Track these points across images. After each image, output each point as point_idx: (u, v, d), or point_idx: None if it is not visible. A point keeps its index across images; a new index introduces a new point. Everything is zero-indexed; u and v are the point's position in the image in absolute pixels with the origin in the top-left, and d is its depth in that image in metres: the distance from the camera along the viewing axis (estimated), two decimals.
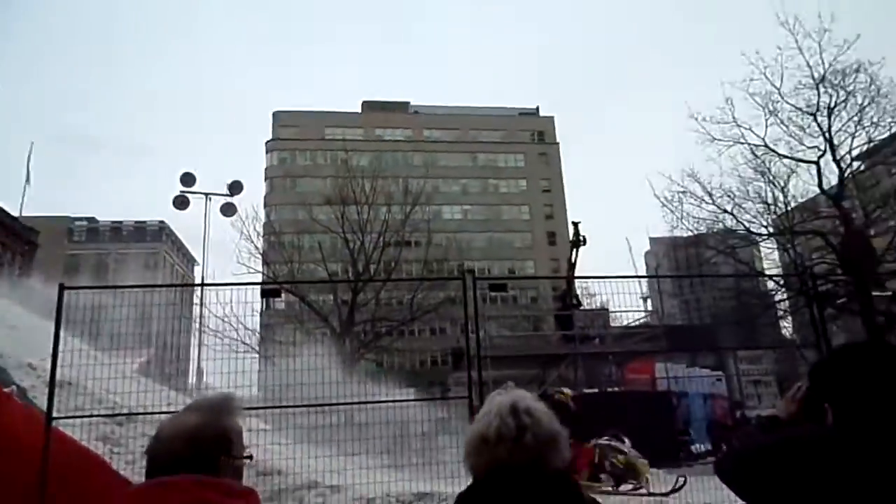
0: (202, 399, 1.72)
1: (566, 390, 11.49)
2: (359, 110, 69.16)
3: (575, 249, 25.87)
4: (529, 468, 1.58)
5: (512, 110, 71.25)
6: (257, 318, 27.62)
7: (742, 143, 25.88)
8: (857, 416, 1.82)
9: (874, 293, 23.41)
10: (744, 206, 25.65)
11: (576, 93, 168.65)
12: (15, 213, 37.37)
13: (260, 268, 29.71)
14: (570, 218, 63.59)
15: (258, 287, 16.05)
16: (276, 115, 66.09)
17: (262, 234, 31.40)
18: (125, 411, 5.87)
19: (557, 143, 69.88)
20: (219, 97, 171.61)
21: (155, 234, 75.92)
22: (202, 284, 13.01)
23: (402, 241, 30.29)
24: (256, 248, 28.56)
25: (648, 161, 61.13)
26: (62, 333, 4.91)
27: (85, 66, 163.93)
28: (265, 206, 54.02)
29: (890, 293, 24.08)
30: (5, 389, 4.87)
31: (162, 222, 75.51)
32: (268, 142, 64.68)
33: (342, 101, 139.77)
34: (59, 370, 4.83)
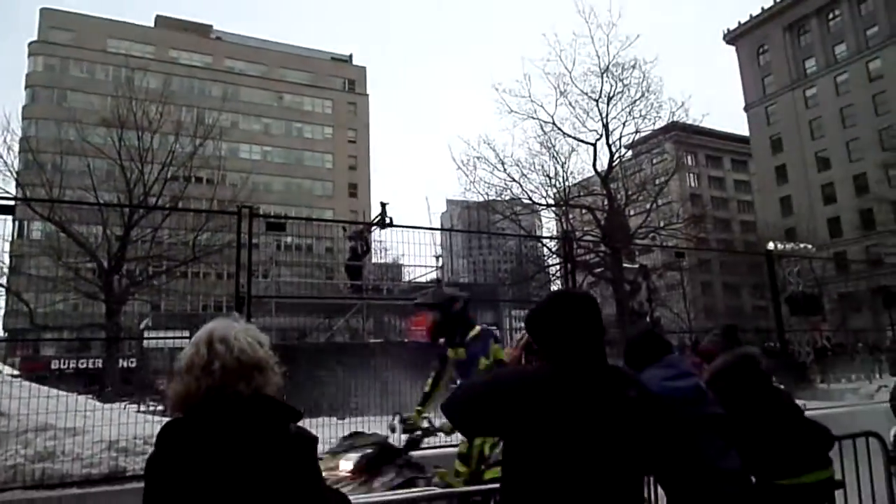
0: None
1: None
2: (151, 24, 61.79)
3: (379, 229, 25.84)
4: (216, 394, 1.60)
5: (324, 54, 68.88)
6: (5, 247, 23.89)
7: (534, 118, 27.89)
8: (551, 350, 2.07)
9: (625, 265, 26.94)
10: (530, 176, 27.75)
11: (388, 49, 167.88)
12: None
13: (12, 189, 25.54)
14: (373, 169, 63.87)
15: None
16: (44, 12, 56.33)
17: (15, 149, 26.96)
18: None
19: (367, 95, 69.23)
20: None
21: None
22: None
23: (190, 176, 27.94)
24: (6, 164, 24.39)
25: (453, 125, 63.35)
26: None
27: None
28: (24, 118, 46.29)
29: (637, 266, 27.87)
30: None
31: None
32: (31, 43, 55.10)
33: (130, 12, 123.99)
34: None
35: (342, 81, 68.35)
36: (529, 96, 27.76)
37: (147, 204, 23.99)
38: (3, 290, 24.14)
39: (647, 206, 29.27)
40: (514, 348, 2.58)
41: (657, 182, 30.24)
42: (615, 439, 1.93)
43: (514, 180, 27.46)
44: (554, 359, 2.05)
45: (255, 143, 59.96)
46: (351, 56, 71.77)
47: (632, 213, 30.33)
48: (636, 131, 28.19)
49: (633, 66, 27.15)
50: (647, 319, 25.06)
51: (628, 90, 27.28)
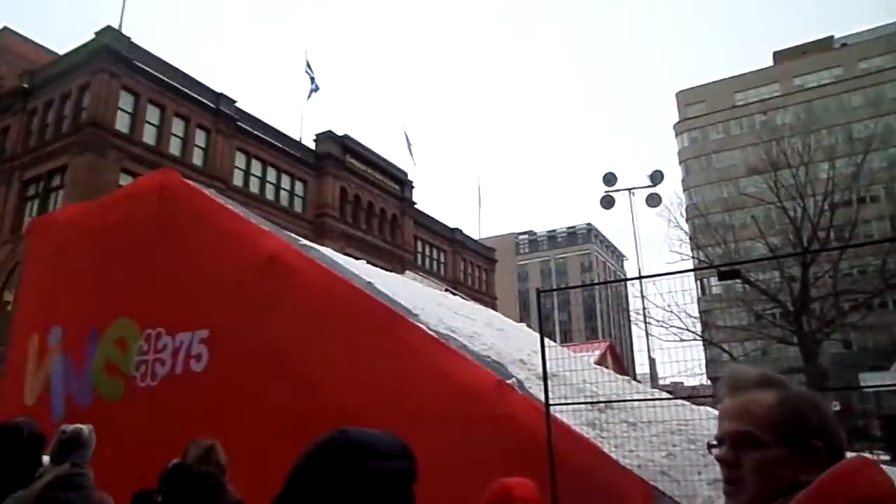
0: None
1: None
2: (770, 63, 61.87)
3: None
4: None
5: None
6: (695, 306, 26.95)
7: None
8: None
9: None
10: None
11: None
12: (475, 236, 44.98)
13: (690, 252, 28.97)
14: None
15: (692, 274, 15.59)
16: (678, 95, 64.10)
17: (686, 217, 30.67)
18: (602, 399, 6.32)
19: None
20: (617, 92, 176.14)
21: (584, 237, 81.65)
22: (640, 277, 13.34)
23: (857, 199, 25.63)
24: (685, 232, 27.92)
25: None
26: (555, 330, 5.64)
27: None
28: (683, 190, 52.70)
29: None
30: (507, 381, 5.76)
31: (589, 224, 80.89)
32: (676, 124, 63.06)
33: (749, 61, 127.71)
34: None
35: None
36: None
37: (817, 239, 23.08)
38: (702, 342, 27.01)
39: None
40: None
41: None
42: None
43: None
44: None
45: None
46: None
47: None
48: None
49: None
50: None
51: None
